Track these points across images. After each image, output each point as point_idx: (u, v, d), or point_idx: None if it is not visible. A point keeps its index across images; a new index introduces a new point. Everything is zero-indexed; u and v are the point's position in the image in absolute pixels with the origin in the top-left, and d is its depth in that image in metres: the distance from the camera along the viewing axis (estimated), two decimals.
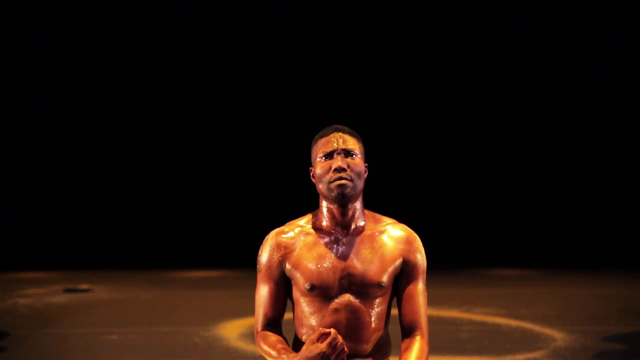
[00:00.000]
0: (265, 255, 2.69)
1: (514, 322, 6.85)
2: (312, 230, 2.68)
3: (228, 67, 12.00)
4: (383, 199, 10.55)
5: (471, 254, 11.66)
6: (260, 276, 2.69)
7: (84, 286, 9.16)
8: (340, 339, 2.46)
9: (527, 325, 6.71)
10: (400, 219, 2.82)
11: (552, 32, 11.81)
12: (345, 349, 2.47)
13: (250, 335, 6.29)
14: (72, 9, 11.75)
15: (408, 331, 2.64)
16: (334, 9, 11.94)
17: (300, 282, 2.63)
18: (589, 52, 11.76)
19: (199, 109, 12.01)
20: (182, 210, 11.86)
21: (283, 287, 2.68)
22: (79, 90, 11.85)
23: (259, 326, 2.70)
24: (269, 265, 2.67)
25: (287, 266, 2.66)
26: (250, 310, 7.52)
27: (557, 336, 6.19)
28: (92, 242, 11.88)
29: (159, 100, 11.98)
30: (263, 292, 2.69)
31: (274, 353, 2.60)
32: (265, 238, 2.72)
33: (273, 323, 2.69)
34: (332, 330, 2.46)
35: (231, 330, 6.52)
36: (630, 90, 11.74)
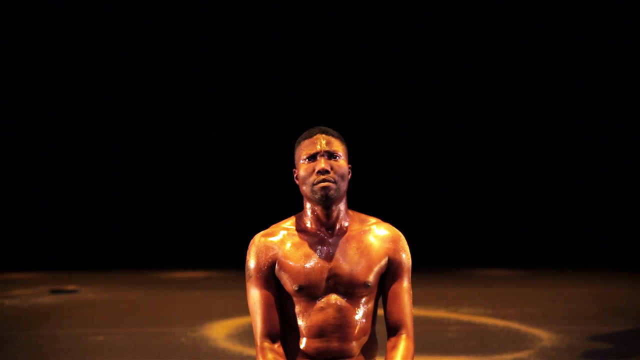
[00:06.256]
0: (253, 259, 2.65)
1: (500, 322, 6.87)
2: (296, 232, 2.67)
3: (218, 72, 11.99)
4: (370, 199, 10.58)
5: (458, 254, 11.69)
6: (251, 282, 2.64)
7: (71, 287, 9.13)
8: None
9: (513, 325, 6.73)
10: (388, 219, 2.82)
11: (549, 31, 11.85)
12: None
13: (238, 336, 6.29)
14: (73, 10, 11.75)
15: (394, 330, 2.64)
16: (329, 10, 11.94)
17: (287, 284, 2.62)
18: (588, 52, 11.80)
19: (190, 112, 11.99)
20: (169, 212, 11.85)
21: (276, 289, 2.64)
22: (78, 92, 11.87)
23: (259, 339, 2.62)
24: (259, 269, 2.64)
25: (276, 267, 2.64)
26: (236, 311, 7.54)
27: (544, 336, 6.21)
28: (79, 243, 11.85)
29: (152, 104, 11.96)
30: (257, 298, 2.63)
31: None
32: (251, 242, 2.69)
33: (272, 335, 2.62)
34: None
35: (218, 331, 6.51)
36: (628, 90, 11.78)
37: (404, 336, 2.63)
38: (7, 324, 6.96)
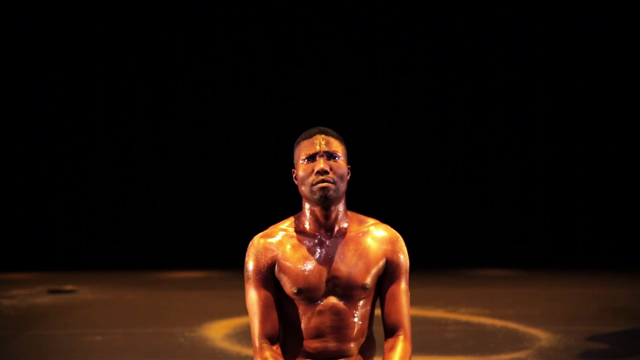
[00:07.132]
0: (253, 260, 2.64)
1: (498, 322, 6.87)
2: (295, 234, 2.67)
3: (217, 72, 11.98)
4: (368, 199, 10.58)
5: (456, 254, 11.68)
6: (249, 283, 2.63)
7: (69, 287, 9.12)
8: None
9: (511, 325, 6.74)
10: (386, 219, 2.82)
11: (546, 32, 11.85)
12: None
13: (236, 336, 6.29)
14: (75, 10, 11.76)
15: (391, 331, 2.64)
16: (329, 9, 11.94)
17: (287, 286, 2.62)
18: (588, 52, 11.79)
19: (189, 112, 11.99)
20: (167, 212, 11.84)
21: (275, 290, 2.63)
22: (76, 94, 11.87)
23: (257, 340, 2.61)
24: (258, 270, 2.64)
25: (276, 269, 2.64)
26: (234, 311, 7.54)
27: (542, 336, 6.22)
28: (77, 243, 11.83)
29: (151, 104, 11.96)
30: (256, 300, 2.62)
31: None
32: (250, 243, 2.68)
33: (271, 336, 2.61)
34: None
35: (216, 331, 6.51)
36: (627, 89, 11.79)
37: (401, 337, 2.63)
38: (5, 324, 6.96)
